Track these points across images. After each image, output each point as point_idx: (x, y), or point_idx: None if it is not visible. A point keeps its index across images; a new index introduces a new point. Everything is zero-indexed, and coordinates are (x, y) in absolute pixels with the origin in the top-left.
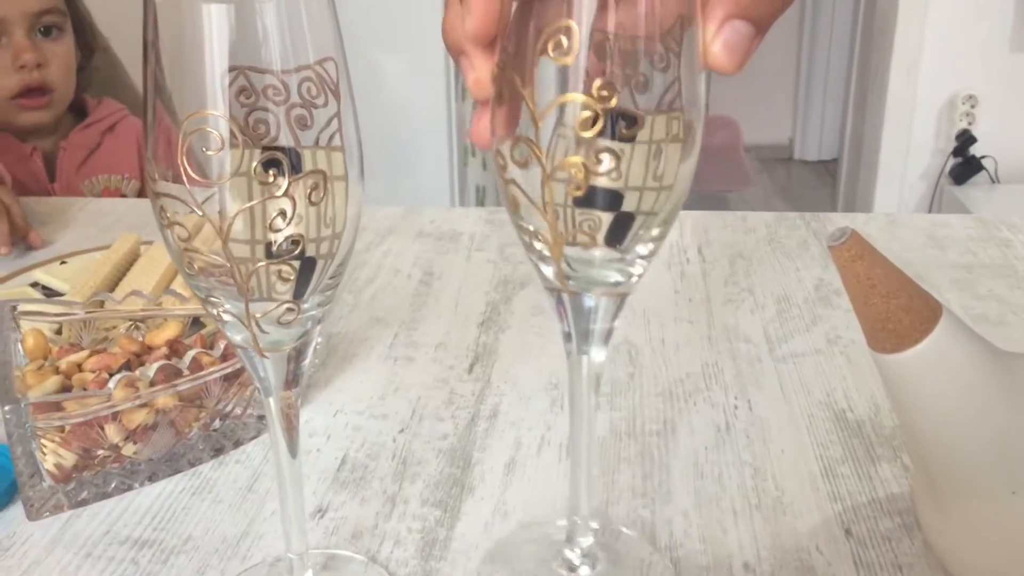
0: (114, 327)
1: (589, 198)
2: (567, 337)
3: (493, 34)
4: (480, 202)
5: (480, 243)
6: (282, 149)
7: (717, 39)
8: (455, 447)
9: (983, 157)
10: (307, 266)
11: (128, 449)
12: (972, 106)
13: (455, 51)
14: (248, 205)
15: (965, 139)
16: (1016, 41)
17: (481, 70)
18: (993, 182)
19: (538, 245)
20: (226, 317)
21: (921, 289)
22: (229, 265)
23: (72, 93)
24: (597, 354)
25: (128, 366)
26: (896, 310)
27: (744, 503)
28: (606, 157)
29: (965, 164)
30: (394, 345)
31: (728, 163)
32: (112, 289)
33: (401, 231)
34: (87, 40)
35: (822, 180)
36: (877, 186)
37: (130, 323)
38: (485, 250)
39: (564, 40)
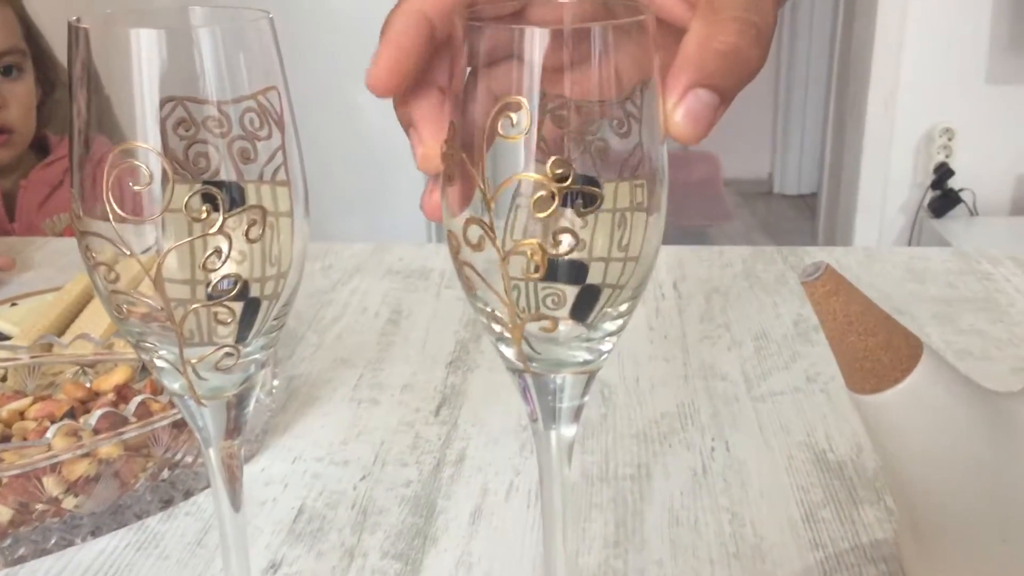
0: (61, 372)
1: (551, 271)
2: (533, 416)
3: (395, 87)
4: None
5: (450, 280)
6: (222, 184)
7: (679, 108)
8: (419, 494)
9: (961, 190)
10: (251, 307)
11: (69, 502)
12: (949, 139)
13: (404, 123)
14: (178, 243)
15: (943, 172)
16: (992, 74)
17: (429, 145)
18: (971, 214)
19: (497, 327)
20: (160, 363)
21: (900, 326)
22: (160, 307)
23: (33, 131)
24: (567, 431)
25: (72, 414)
26: (874, 348)
27: (721, 551)
28: (565, 237)
29: (943, 197)
30: (358, 387)
31: (708, 197)
32: (62, 332)
33: (369, 268)
34: (48, 75)
35: (802, 214)
36: (857, 220)
37: (77, 368)
38: (455, 287)
39: (513, 116)
